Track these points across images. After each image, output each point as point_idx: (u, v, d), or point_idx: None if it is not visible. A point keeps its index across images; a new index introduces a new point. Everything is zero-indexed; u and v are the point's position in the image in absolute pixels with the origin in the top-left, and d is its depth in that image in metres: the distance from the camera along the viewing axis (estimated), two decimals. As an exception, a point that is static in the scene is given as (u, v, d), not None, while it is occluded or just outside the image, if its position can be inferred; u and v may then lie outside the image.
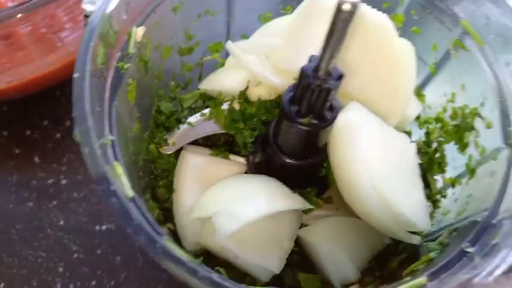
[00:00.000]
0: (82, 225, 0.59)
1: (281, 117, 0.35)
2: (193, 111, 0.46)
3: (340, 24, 0.26)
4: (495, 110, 0.35)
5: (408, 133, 0.46)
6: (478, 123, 0.38)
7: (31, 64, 0.54)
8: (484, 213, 0.31)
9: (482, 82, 0.37)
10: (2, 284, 0.55)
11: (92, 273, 0.57)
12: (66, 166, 0.63)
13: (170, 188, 0.44)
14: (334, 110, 0.34)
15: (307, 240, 0.39)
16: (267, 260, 0.37)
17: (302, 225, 0.42)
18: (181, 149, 0.44)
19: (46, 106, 0.67)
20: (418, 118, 0.45)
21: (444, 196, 0.41)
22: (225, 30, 0.47)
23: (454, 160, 0.41)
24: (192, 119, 0.43)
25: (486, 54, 0.37)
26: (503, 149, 0.34)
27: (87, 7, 0.31)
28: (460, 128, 0.39)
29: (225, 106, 0.43)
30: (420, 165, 0.40)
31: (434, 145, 0.43)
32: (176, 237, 0.41)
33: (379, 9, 0.40)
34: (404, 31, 0.42)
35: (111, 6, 0.31)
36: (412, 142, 0.40)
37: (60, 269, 0.57)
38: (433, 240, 0.35)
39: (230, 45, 0.42)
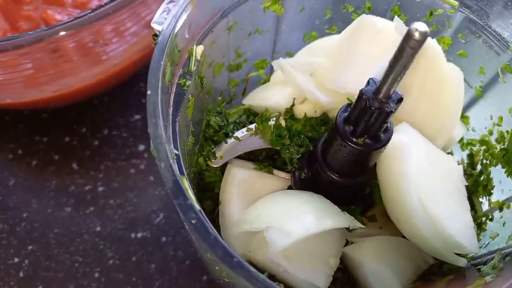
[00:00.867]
0: (118, 232, 0.60)
1: (333, 135, 0.36)
2: (237, 125, 0.47)
3: (408, 51, 0.26)
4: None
5: (450, 154, 0.46)
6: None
7: (77, 76, 0.56)
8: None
9: (533, 107, 0.38)
10: (40, 287, 0.57)
11: (127, 280, 0.58)
12: (103, 174, 0.65)
13: (215, 200, 0.45)
14: (388, 132, 0.35)
15: (353, 257, 0.40)
16: (315, 276, 0.38)
17: (347, 242, 0.42)
18: (226, 162, 0.45)
19: (84, 114, 0.69)
20: (461, 140, 0.46)
21: (491, 219, 0.41)
22: (271, 48, 0.48)
23: (502, 183, 0.41)
24: (239, 133, 0.44)
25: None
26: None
27: (156, 26, 0.32)
28: (508, 152, 0.39)
29: (271, 122, 0.44)
30: (466, 187, 0.40)
31: (478, 167, 0.44)
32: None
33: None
34: (449, 54, 0.43)
35: (178, 26, 0.33)
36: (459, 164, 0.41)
37: (96, 275, 0.58)
38: (481, 264, 0.36)
39: (281, 61, 0.43)
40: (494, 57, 0.40)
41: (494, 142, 0.42)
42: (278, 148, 0.43)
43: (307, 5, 0.44)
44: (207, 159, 0.43)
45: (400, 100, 0.31)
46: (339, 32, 0.44)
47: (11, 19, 0.60)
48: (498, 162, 0.41)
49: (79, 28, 0.48)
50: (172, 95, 0.33)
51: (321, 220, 0.37)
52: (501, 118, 0.41)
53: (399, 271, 0.39)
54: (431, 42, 0.39)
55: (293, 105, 0.45)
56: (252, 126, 0.45)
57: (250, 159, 0.47)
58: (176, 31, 0.32)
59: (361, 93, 0.31)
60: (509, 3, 0.39)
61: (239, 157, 0.46)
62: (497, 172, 0.42)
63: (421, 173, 0.37)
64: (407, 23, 0.43)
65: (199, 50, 0.36)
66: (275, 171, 0.45)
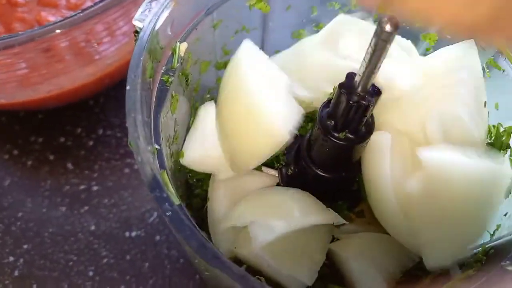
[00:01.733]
0: (112, 231, 0.61)
1: (317, 131, 0.36)
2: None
3: (381, 44, 0.27)
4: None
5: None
6: (512, 141, 0.39)
7: (70, 75, 0.57)
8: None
9: (516, 101, 0.38)
10: (35, 286, 0.57)
11: (121, 278, 0.58)
12: (98, 173, 0.65)
13: (204, 198, 0.45)
14: (369, 126, 0.35)
15: (338, 254, 0.40)
16: (299, 271, 0.38)
17: (333, 238, 0.42)
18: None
19: (79, 114, 0.70)
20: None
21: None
22: (260, 46, 0.48)
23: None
24: (226, 131, 0.44)
25: (520, 74, 0.37)
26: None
27: (137, 23, 0.33)
28: (494, 147, 0.39)
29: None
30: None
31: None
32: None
33: (412, 28, 0.41)
34: (435, 50, 0.43)
35: (159, 23, 0.33)
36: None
37: (90, 273, 0.58)
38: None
39: None
40: (480, 52, 0.40)
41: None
42: (265, 144, 0.44)
43: (293, 3, 0.45)
44: (194, 156, 0.43)
45: (377, 93, 0.31)
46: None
47: (6, 21, 0.61)
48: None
49: (70, 27, 0.49)
50: (155, 91, 0.33)
51: (305, 216, 0.37)
52: (488, 113, 0.41)
53: (384, 268, 0.39)
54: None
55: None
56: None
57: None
58: (157, 28, 0.33)
59: (340, 87, 0.32)
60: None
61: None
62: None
63: (400, 172, 0.37)
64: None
65: (182, 47, 0.36)
66: (264, 168, 0.46)
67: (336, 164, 0.39)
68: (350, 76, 0.32)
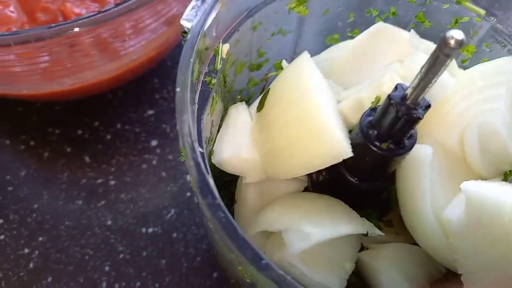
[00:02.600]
0: (129, 226, 0.60)
1: (357, 139, 0.36)
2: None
3: (442, 59, 0.26)
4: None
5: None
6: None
7: (95, 70, 0.56)
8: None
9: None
10: (50, 279, 0.57)
11: (137, 274, 0.58)
12: (115, 168, 0.65)
13: (230, 199, 0.45)
14: (412, 138, 0.35)
15: (369, 263, 0.40)
16: (330, 279, 0.38)
17: (362, 247, 0.42)
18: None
19: (97, 108, 0.69)
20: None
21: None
22: (292, 49, 0.48)
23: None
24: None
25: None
26: None
27: (185, 23, 0.32)
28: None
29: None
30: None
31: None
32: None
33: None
34: (473, 62, 0.43)
35: (207, 24, 0.33)
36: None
37: (106, 268, 0.58)
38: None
39: None
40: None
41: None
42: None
43: (331, 8, 0.44)
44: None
45: (428, 106, 0.31)
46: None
47: (29, 10, 0.60)
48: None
49: (99, 24, 0.48)
50: (198, 93, 0.33)
51: (340, 225, 0.37)
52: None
53: (413, 280, 0.39)
54: None
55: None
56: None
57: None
58: (205, 29, 0.32)
59: (389, 98, 0.31)
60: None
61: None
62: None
63: (438, 187, 0.37)
64: (431, 29, 0.43)
65: (225, 48, 0.36)
66: (292, 173, 0.45)
67: (372, 173, 0.38)
68: (400, 87, 0.31)
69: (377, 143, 0.34)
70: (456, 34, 0.25)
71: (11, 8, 0.58)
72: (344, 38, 0.47)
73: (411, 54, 0.38)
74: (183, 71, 0.29)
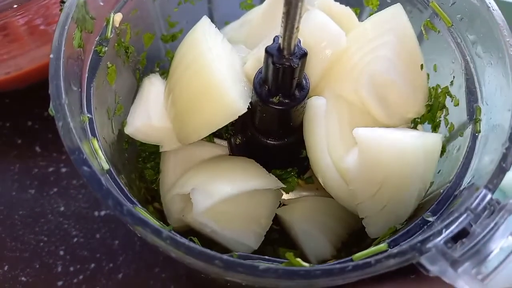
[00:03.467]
0: (81, 211, 0.62)
1: (254, 98, 0.37)
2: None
3: (293, 2, 0.27)
4: (462, 87, 0.36)
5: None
6: (447, 102, 0.39)
7: (27, 55, 0.57)
8: (447, 185, 0.32)
9: (451, 62, 0.38)
10: (6, 267, 0.58)
11: (91, 256, 0.59)
12: (66, 155, 0.65)
13: (157, 170, 0.45)
14: (304, 90, 0.35)
15: (284, 218, 0.41)
16: (245, 235, 0.39)
17: (281, 205, 0.43)
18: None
19: (46, 97, 0.69)
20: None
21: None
22: (209, 18, 0.48)
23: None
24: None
25: (454, 34, 0.37)
26: (468, 124, 0.35)
27: (64, -6, 0.33)
28: (433, 108, 0.40)
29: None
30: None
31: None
32: (162, 215, 0.43)
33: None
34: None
35: (87, -6, 0.33)
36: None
37: (61, 253, 0.59)
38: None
39: None
40: (418, 15, 0.41)
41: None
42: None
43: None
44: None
45: (303, 55, 0.32)
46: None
47: None
48: (425, 119, 0.41)
49: (26, 2, 0.48)
50: (87, 62, 0.34)
51: (246, 181, 0.38)
52: (428, 75, 0.41)
53: (329, 230, 0.40)
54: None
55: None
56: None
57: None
58: (85, -2, 0.33)
59: (266, 50, 0.32)
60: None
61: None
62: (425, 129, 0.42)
63: (336, 137, 0.37)
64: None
65: (117, 18, 0.36)
66: (216, 139, 0.46)
67: (277, 130, 0.39)
68: (277, 38, 0.32)
69: (269, 98, 0.35)
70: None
71: None
72: (259, 2, 0.47)
73: (306, 12, 0.38)
74: (58, 39, 0.30)
